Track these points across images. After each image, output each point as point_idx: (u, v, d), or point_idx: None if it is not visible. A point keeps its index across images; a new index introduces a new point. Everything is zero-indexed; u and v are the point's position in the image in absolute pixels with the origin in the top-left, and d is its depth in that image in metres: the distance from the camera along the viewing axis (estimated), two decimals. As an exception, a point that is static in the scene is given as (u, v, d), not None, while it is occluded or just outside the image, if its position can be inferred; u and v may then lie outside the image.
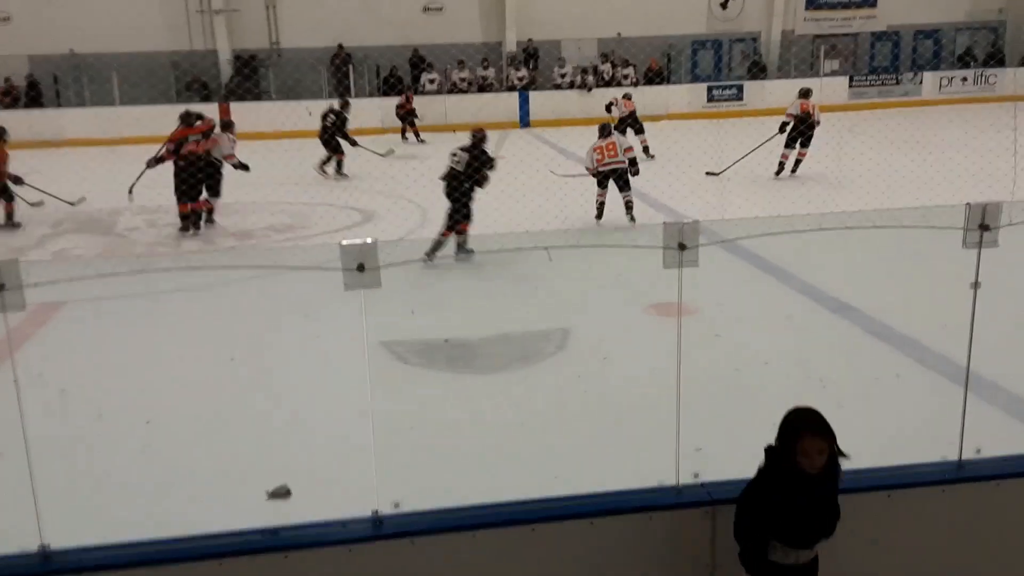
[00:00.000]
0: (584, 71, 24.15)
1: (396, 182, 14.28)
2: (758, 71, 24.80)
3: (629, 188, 10.94)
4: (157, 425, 5.61)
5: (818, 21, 25.52)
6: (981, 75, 24.50)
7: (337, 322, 6.51)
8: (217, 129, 12.13)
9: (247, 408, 5.89)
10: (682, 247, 3.55)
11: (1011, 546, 3.64)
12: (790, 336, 6.98)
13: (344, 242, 3.19)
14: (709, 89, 23.65)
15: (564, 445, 5.18)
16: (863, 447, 4.59)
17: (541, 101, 23.33)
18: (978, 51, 25.89)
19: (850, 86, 24.22)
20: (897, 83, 24.39)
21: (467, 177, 9.14)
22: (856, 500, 3.49)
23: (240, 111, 21.62)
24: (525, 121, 23.10)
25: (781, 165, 13.93)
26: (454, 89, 23.55)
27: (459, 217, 9.12)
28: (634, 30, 24.12)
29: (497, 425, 5.55)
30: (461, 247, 9.09)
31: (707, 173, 13.89)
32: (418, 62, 23.58)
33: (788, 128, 13.95)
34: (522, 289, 8.07)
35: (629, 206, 10.80)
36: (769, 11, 24.98)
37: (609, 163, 10.85)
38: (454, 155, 9.39)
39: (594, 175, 11.01)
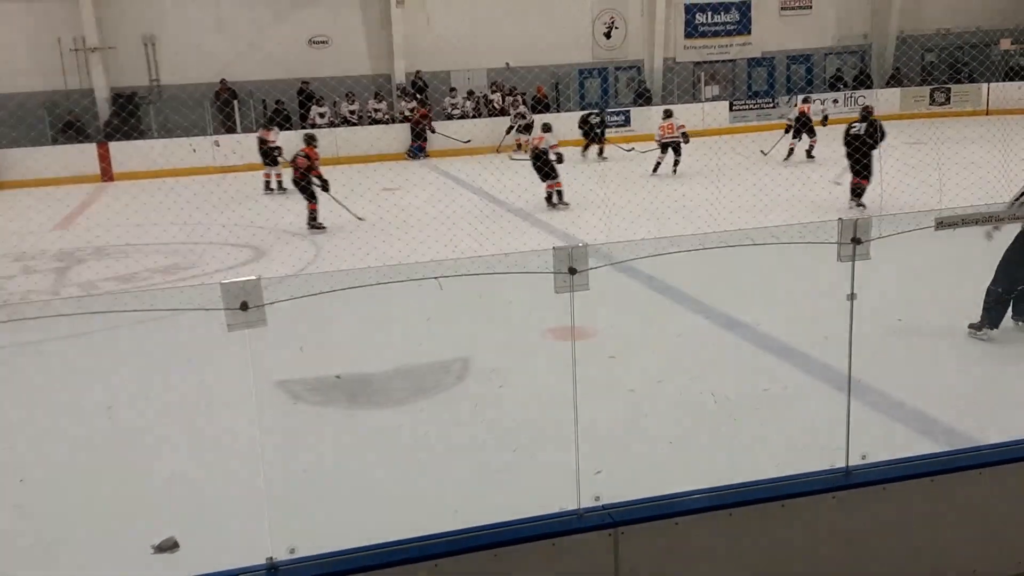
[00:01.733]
0: (477, 99, 24.37)
1: (288, 217, 14.02)
2: (643, 97, 25.49)
3: (680, 154, 17.20)
4: (32, 483, 5.29)
5: (697, 49, 26.44)
6: (851, 97, 25.77)
7: (224, 364, 6.30)
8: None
9: (129, 460, 5.62)
10: (572, 271, 3.57)
11: (898, 548, 3.76)
12: (683, 354, 7.12)
13: (225, 280, 3.09)
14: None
15: (465, 477, 5.13)
16: (757, 459, 4.70)
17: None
18: (847, 74, 27.27)
19: (731, 110, 25.13)
20: (774, 106, 25.42)
21: None
22: (751, 512, 3.55)
23: (121, 150, 20.94)
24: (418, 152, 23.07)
25: None
26: (344, 122, 23.37)
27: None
28: (522, 60, 24.48)
29: (397, 460, 5.46)
30: None
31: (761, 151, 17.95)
32: (305, 95, 23.30)
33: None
34: (418, 320, 8.01)
35: (676, 163, 17.01)
36: (651, 40, 25.75)
37: (667, 137, 17.31)
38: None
39: (659, 145, 17.59)
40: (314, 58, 23.59)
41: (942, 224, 4.00)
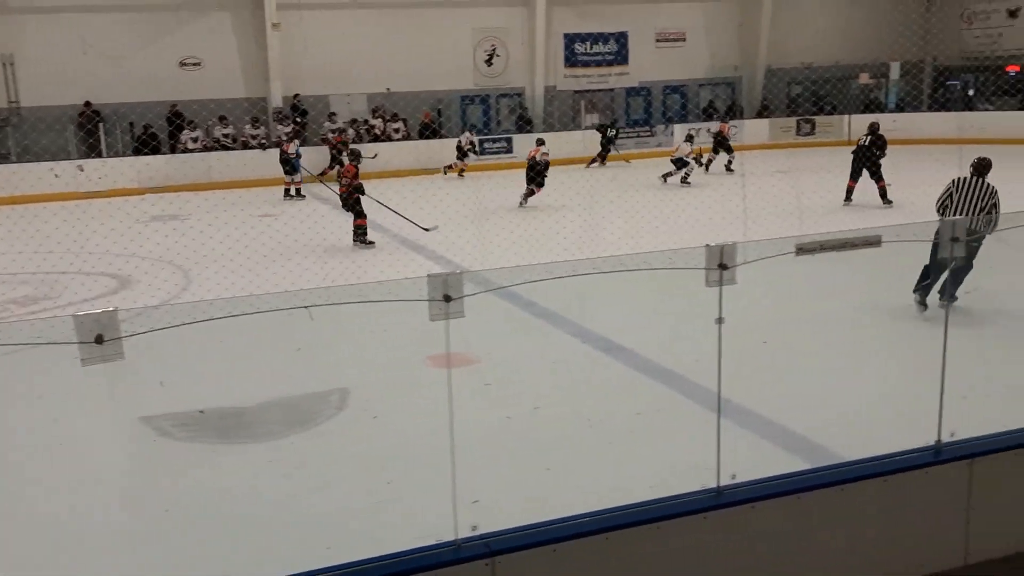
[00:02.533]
0: (356, 124, 24.17)
1: (155, 243, 13.48)
2: (525, 124, 25.82)
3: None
4: None
5: (577, 78, 27.02)
6: (699, 130, 26.86)
7: (82, 400, 5.98)
8: None
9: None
10: (447, 298, 3.54)
11: (768, 565, 3.86)
12: (561, 379, 7.18)
13: (79, 313, 2.92)
14: (480, 142, 24.30)
15: (339, 510, 5.00)
16: (634, 482, 4.76)
17: (312, 156, 22.96)
18: (719, 104, 28.39)
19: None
20: (652, 134, 26.20)
21: None
22: (627, 535, 3.58)
23: (-23, 174, 19.76)
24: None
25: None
26: (217, 146, 22.73)
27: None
28: (403, 85, 24.44)
29: (269, 495, 5.27)
30: None
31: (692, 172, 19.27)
32: (176, 118, 22.54)
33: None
34: (290, 351, 7.80)
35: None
36: (531, 68, 26.16)
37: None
38: None
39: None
40: (186, 80, 22.91)
41: (802, 250, 4.17)
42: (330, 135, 23.31)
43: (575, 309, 8.60)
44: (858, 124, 25.78)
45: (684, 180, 19.38)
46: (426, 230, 13.39)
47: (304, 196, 19.54)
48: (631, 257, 4.40)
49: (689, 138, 20.54)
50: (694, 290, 4.06)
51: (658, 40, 27.51)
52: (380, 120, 24.52)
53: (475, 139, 23.38)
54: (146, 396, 6.55)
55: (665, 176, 19.61)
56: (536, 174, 17.00)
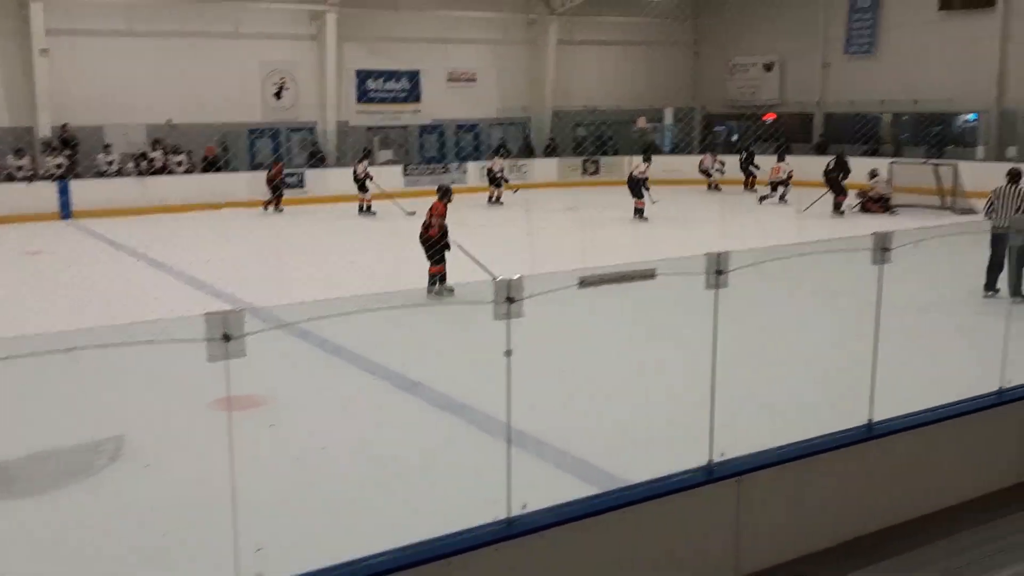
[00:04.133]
0: (136, 157, 22.88)
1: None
2: (318, 160, 25.43)
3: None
4: None
5: (370, 114, 26.99)
6: (515, 165, 27.63)
7: None
8: None
9: None
10: (227, 337, 3.39)
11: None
12: (351, 417, 7.04)
13: None
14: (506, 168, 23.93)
15: (114, 567, 4.63)
16: (425, 518, 4.72)
17: (84, 190, 21.45)
18: (511, 143, 29.25)
19: (405, 174, 25.82)
20: (446, 171, 26.54)
21: None
22: (419, 572, 3.55)
23: None
24: (67, 212, 21.05)
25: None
26: (-23, 178, 20.81)
27: None
28: (186, 117, 23.39)
29: (36, 556, 4.80)
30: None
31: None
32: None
33: None
34: (55, 397, 7.18)
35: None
36: (323, 103, 25.85)
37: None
38: None
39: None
40: (-59, 107, 20.88)
41: (584, 283, 4.34)
42: (271, 168, 22.28)
43: (368, 345, 8.49)
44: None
45: (783, 198, 21.59)
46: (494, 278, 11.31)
47: (375, 213, 20.88)
48: (422, 292, 4.41)
49: (780, 158, 22.33)
50: (483, 323, 4.12)
51: (450, 80, 28.02)
52: (160, 152, 23.33)
53: (505, 164, 23.81)
54: None
55: (762, 198, 21.75)
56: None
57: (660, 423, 6.74)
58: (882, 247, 5.27)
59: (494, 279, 8.86)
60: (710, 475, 4.60)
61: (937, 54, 24.47)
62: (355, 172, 21.43)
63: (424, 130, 28.15)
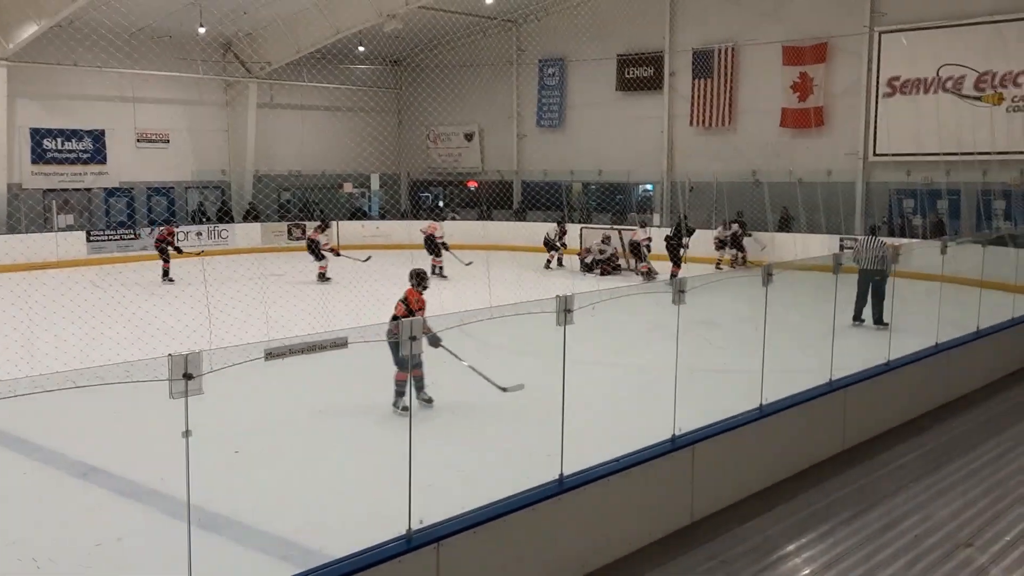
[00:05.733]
0: None
1: None
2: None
3: None
4: None
5: (47, 176, 24.62)
6: (215, 230, 26.44)
7: None
8: None
9: None
10: None
11: None
12: (15, 514, 6.23)
13: None
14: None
15: None
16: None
17: None
18: (209, 208, 27.97)
19: (88, 240, 23.76)
20: (136, 237, 24.78)
21: None
22: None
23: None
24: None
25: None
26: None
27: None
28: None
29: None
30: None
31: None
32: None
33: None
34: None
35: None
36: (-9, 163, 23.27)
37: None
38: None
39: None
40: None
41: (271, 355, 4.16)
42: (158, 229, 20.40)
43: (34, 430, 7.60)
44: (346, 230, 27.43)
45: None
46: (503, 390, 8.31)
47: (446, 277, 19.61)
48: (83, 372, 3.99)
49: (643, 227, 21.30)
50: (158, 402, 3.81)
51: (139, 140, 26.35)
52: None
53: (558, 229, 22.90)
54: None
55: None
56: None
57: (356, 493, 6.60)
58: (565, 309, 5.59)
59: (503, 390, 7.93)
60: (410, 544, 4.55)
61: (616, 130, 26.92)
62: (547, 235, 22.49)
63: (111, 193, 26.17)
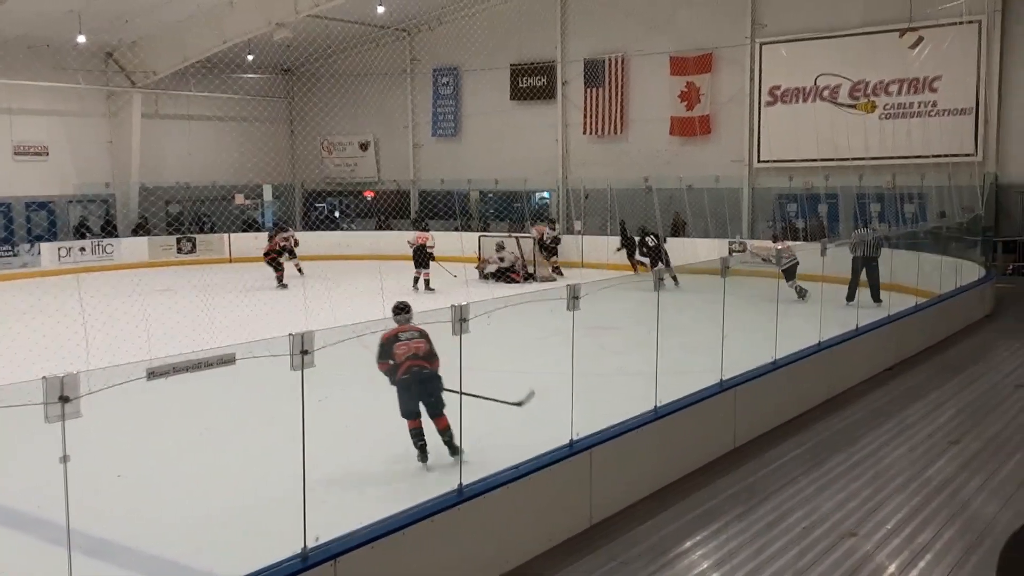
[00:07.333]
0: None
1: None
2: None
3: None
4: None
5: (-87, 191, 23.31)
6: (99, 245, 25.39)
7: None
8: None
9: None
10: None
11: None
12: None
13: None
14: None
15: None
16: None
17: None
18: (93, 223, 26.83)
19: (-39, 259, 22.58)
20: (15, 255, 23.62)
21: None
22: None
23: None
24: None
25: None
26: None
27: None
28: None
29: None
30: None
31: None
32: None
33: None
34: None
35: None
36: None
37: None
38: None
39: None
40: None
41: (153, 374, 4.03)
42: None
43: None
44: (238, 242, 26.78)
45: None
46: (519, 405, 7.58)
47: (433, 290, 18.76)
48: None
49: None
50: (32, 427, 3.63)
51: (16, 153, 25.13)
52: None
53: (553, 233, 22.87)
54: None
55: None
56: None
57: (248, 513, 6.42)
58: (461, 318, 5.59)
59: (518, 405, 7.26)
60: (305, 562, 4.47)
61: (512, 138, 27.10)
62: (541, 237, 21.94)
63: (-13, 209, 24.90)
